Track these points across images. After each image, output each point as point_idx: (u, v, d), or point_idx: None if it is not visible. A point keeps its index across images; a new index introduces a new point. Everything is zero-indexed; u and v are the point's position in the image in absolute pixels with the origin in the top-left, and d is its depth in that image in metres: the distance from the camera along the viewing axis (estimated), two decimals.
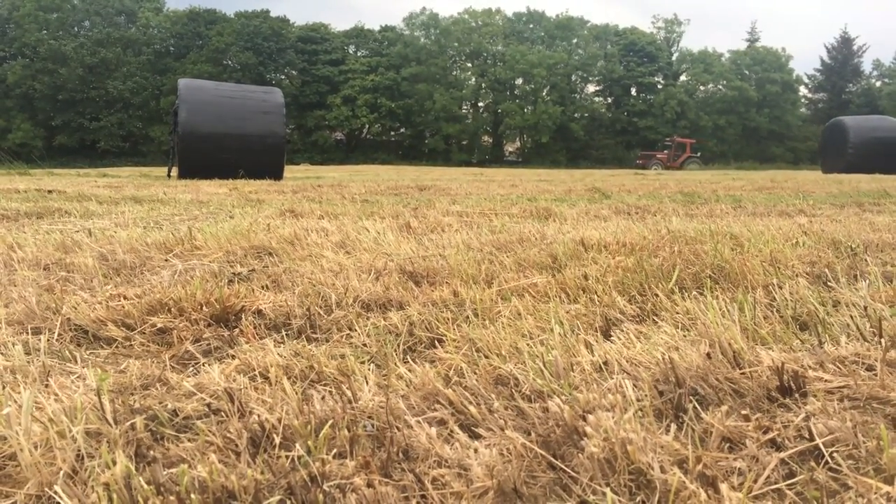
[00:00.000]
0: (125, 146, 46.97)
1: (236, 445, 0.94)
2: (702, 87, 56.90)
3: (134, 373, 1.25)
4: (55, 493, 0.82)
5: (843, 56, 57.60)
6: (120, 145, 46.79)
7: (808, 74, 59.84)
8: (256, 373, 1.24)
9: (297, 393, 1.09)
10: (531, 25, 57.41)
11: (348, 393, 1.10)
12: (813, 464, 0.86)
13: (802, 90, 59.16)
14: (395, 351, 1.39)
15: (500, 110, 54.60)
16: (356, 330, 1.53)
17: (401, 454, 0.92)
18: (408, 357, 1.38)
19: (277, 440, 0.94)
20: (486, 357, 1.29)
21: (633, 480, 0.83)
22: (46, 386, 1.14)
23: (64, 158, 39.44)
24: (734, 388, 1.11)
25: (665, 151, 41.19)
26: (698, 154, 42.22)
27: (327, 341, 1.48)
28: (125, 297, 1.72)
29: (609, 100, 57.53)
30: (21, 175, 9.91)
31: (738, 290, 1.81)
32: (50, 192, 5.90)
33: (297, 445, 0.92)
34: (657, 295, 1.72)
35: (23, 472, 0.88)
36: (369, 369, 1.26)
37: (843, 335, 1.34)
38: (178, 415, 1.05)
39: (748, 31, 67.79)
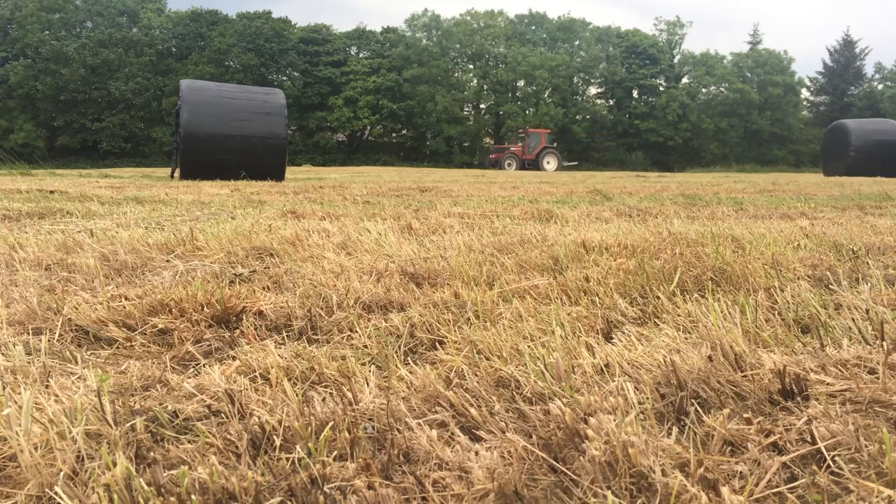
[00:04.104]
0: (127, 147, 47.01)
1: (237, 447, 0.94)
2: (703, 90, 56.85)
3: (134, 374, 1.25)
4: (56, 493, 0.82)
5: (845, 59, 57.56)
6: (122, 146, 46.84)
7: (809, 77, 59.89)
8: (257, 374, 1.24)
9: (297, 394, 1.09)
10: (533, 27, 57.45)
11: (349, 395, 1.10)
12: (815, 467, 0.86)
13: (804, 93, 59.18)
14: (396, 353, 1.39)
15: (501, 112, 54.60)
16: (357, 331, 1.53)
17: (401, 456, 0.92)
18: (409, 359, 1.37)
19: (278, 442, 0.94)
20: (487, 359, 1.29)
21: (635, 483, 0.83)
22: (47, 386, 1.14)
23: (66, 159, 39.55)
24: (736, 390, 1.10)
25: (519, 144, 36.64)
26: (554, 144, 37.65)
27: (328, 343, 1.48)
28: (126, 298, 1.72)
29: (611, 102, 57.53)
30: (23, 175, 9.93)
31: (740, 292, 1.81)
32: (52, 192, 5.91)
33: (298, 447, 0.92)
34: (658, 297, 1.72)
35: (23, 473, 0.87)
36: (370, 371, 1.26)
37: (845, 338, 1.33)
38: (178, 416, 1.05)
39: (750, 34, 67.66)
